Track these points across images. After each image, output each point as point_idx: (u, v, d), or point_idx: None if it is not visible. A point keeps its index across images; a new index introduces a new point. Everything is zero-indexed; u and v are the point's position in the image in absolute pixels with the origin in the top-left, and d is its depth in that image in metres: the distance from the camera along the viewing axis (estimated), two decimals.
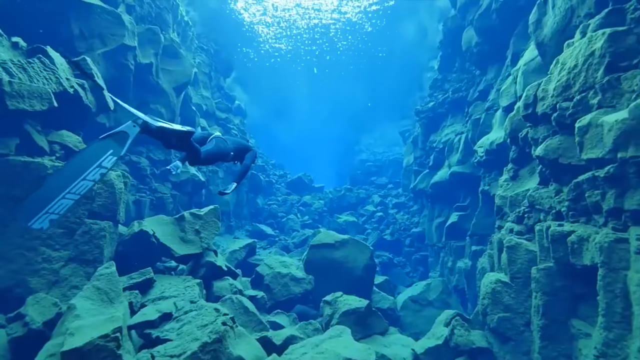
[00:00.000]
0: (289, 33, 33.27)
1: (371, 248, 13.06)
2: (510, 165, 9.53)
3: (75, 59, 8.84)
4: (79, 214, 7.39)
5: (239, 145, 4.54)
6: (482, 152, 13.86)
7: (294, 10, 30.91)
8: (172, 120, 15.76)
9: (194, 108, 18.36)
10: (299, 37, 34.16)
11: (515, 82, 12.15)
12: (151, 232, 8.85)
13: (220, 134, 4.40)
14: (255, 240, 14.55)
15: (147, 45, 14.31)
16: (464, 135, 17.70)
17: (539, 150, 7.15)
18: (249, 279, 12.03)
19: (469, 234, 15.31)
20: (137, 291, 7.43)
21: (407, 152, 27.12)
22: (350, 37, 33.53)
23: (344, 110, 46.61)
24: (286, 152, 50.15)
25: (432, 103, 22.68)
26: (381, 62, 35.22)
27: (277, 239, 21.93)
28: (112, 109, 9.61)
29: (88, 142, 10.68)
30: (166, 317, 6.74)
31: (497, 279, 7.67)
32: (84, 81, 8.61)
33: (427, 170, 21.20)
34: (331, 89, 42.69)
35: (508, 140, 9.73)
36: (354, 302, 9.10)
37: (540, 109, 7.42)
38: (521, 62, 11.58)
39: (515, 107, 9.37)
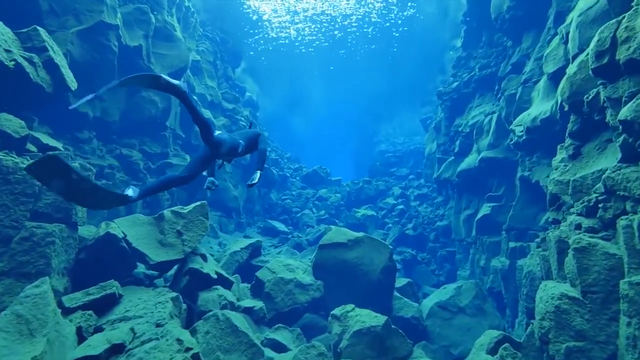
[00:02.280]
0: (298, 19, 31.23)
1: (390, 247, 11.05)
2: (568, 141, 7.27)
3: (26, 29, 7.29)
4: (16, 216, 5.81)
5: (246, 138, 4.13)
6: (521, 131, 11.52)
7: None
8: (169, 110, 14.21)
9: (194, 97, 16.76)
10: (311, 24, 32.04)
11: (565, 42, 9.74)
12: (121, 235, 7.23)
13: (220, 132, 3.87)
14: (260, 240, 12.83)
15: (135, 26, 12.74)
16: (495, 115, 15.28)
17: (624, 113, 4.95)
18: (250, 284, 10.33)
19: (505, 228, 13.01)
20: (90, 311, 5.80)
21: (429, 139, 24.71)
22: (365, 18, 30.95)
23: (361, 100, 44.18)
24: (302, 145, 48.29)
25: (456, 83, 20.21)
26: (398, 44, 32.55)
27: (290, 236, 20.20)
28: (73, 89, 8.06)
29: (46, 127, 9.17)
30: (118, 349, 5.06)
31: (563, 293, 5.54)
32: (33, 54, 7.05)
33: (453, 158, 18.85)
34: (347, 78, 40.34)
35: (565, 108, 7.45)
36: (369, 318, 7.18)
37: (622, 54, 5.19)
38: (573, 14, 9.16)
39: (576, 62, 7.07)
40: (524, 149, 12.16)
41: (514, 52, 15.91)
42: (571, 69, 7.39)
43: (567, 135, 7.47)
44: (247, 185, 3.91)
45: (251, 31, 31.48)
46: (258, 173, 3.97)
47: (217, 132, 3.76)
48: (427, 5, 27.82)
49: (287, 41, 33.79)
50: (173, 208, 8.24)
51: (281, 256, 15.61)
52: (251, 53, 33.09)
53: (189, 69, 17.98)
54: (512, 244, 12.34)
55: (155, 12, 13.93)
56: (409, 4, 29.33)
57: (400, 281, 12.29)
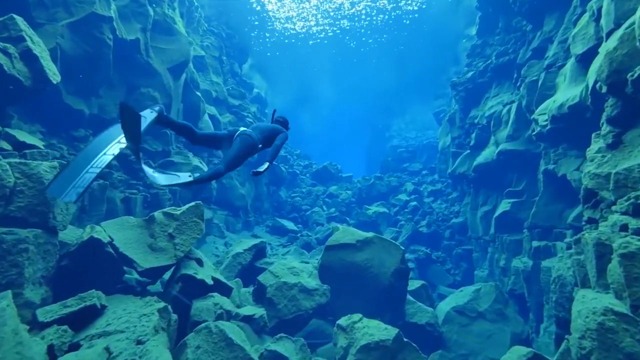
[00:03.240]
0: (305, 11, 30.29)
1: (402, 248, 10.19)
2: (606, 128, 6.27)
3: (2, 18, 6.71)
4: None
5: (269, 132, 4.26)
6: (545, 121, 10.46)
7: None
8: (170, 106, 13.63)
9: (198, 93, 16.18)
10: (318, 14, 31.01)
11: (596, 19, 8.65)
12: (106, 240, 6.63)
13: (245, 128, 4.08)
14: (264, 240, 12.15)
15: (132, 19, 12.16)
16: (514, 105, 14.17)
17: None
18: (252, 289, 9.66)
19: (528, 225, 11.97)
20: (65, 327, 5.19)
21: (443, 132, 23.57)
22: (374, 6, 29.64)
23: (372, 94, 42.91)
24: (313, 141, 47.36)
25: (471, 73, 19.06)
26: (409, 34, 31.21)
27: (299, 234, 19.50)
28: (55, 82, 7.48)
29: (37, 125, 8.64)
30: None
31: (607, 308, 4.63)
32: (8, 45, 6.47)
33: (468, 151, 17.77)
34: (357, 72, 39.18)
35: (602, 90, 6.44)
36: (378, 331, 6.39)
37: None
38: None
39: (615, 37, 6.05)
40: (548, 140, 11.09)
41: (534, 36, 14.72)
42: (609, 44, 6.37)
43: (604, 121, 6.47)
44: (252, 173, 3.89)
45: (257, 24, 30.66)
46: (266, 164, 3.98)
47: (241, 129, 3.99)
48: None
49: (294, 34, 32.89)
50: (165, 209, 7.60)
51: (288, 257, 14.94)
52: (259, 48, 32.37)
53: (192, 64, 17.44)
54: (535, 243, 11.32)
55: (154, 5, 13.34)
56: None
57: (414, 283, 11.43)
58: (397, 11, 29.76)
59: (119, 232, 7.03)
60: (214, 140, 4.01)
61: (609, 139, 6.12)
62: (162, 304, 6.11)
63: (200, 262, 7.76)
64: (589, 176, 6.28)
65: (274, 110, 4.93)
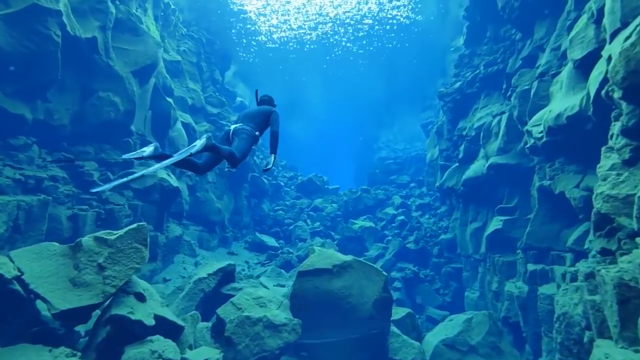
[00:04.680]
0: (293, 21, 29.47)
1: (384, 273, 8.97)
2: (621, 141, 5.22)
3: None
4: None
5: (259, 116, 4.05)
6: (541, 132, 9.50)
7: None
8: (133, 113, 12.32)
9: (169, 100, 14.92)
10: (306, 25, 30.26)
11: (596, 21, 7.76)
12: (11, 275, 5.25)
13: (235, 125, 3.88)
14: (232, 263, 10.77)
15: (90, 16, 10.94)
16: (505, 116, 13.28)
17: None
18: (210, 324, 8.28)
19: (522, 246, 10.91)
20: None
21: (431, 144, 22.72)
22: (362, 20, 29.01)
23: (361, 105, 42.09)
24: (301, 152, 46.12)
25: (459, 83, 18.26)
26: (397, 46, 30.62)
27: (279, 251, 18.14)
28: None
29: None
30: None
31: None
32: None
33: (457, 165, 16.81)
34: (345, 83, 38.37)
35: (615, 95, 5.40)
36: None
37: None
38: None
39: (634, 30, 5.04)
40: (543, 154, 10.12)
41: (524, 45, 13.97)
42: (616, 45, 5.38)
43: (616, 133, 5.43)
44: (262, 170, 3.82)
45: (241, 30, 29.67)
46: (272, 157, 3.94)
47: (232, 127, 3.82)
48: (427, 5, 25.92)
49: (280, 42, 31.95)
50: (98, 233, 6.25)
51: (263, 278, 13.58)
52: (243, 55, 31.30)
53: (165, 69, 16.22)
54: (530, 267, 10.23)
55: (117, 2, 12.14)
56: (408, 5, 27.59)
57: (398, 312, 10.17)
58: (385, 26, 29.11)
59: (35, 263, 5.66)
60: (216, 157, 3.47)
61: (625, 154, 5.06)
62: (75, 355, 4.75)
63: (140, 297, 6.40)
64: (602, 198, 5.19)
65: (256, 90, 4.61)
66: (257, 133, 3.89)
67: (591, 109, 7.49)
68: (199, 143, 3.01)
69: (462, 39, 20.71)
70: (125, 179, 2.84)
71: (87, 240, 6.02)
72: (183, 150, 2.98)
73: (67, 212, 9.78)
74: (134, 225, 6.50)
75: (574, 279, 6.92)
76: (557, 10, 11.96)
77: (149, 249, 6.59)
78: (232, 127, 3.88)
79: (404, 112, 38.36)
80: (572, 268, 7.64)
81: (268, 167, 3.95)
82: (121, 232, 6.32)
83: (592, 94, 7.40)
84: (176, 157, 2.91)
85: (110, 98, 11.45)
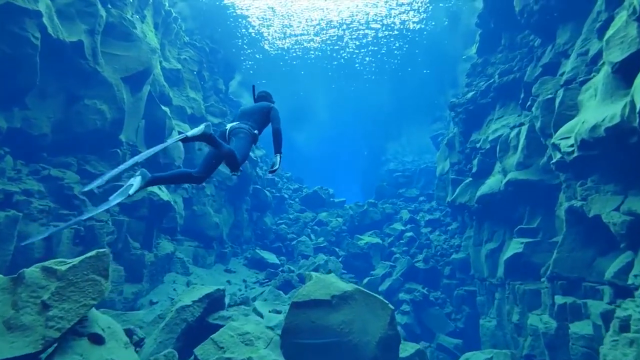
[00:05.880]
0: (299, 32, 28.81)
1: (391, 307, 7.74)
2: None
3: None
4: None
5: (257, 114, 3.80)
6: (571, 146, 8.26)
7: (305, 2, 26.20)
8: (121, 122, 11.47)
9: (165, 109, 14.09)
10: (313, 35, 29.58)
11: (638, 18, 6.61)
12: None
13: (232, 124, 3.63)
14: (221, 287, 9.62)
15: (77, 19, 10.19)
16: (525, 128, 12.06)
17: None
18: None
19: (548, 275, 9.55)
20: None
21: (441, 157, 21.47)
22: (369, 25, 28.13)
23: (369, 117, 41.08)
24: (306, 164, 45.10)
25: (471, 93, 17.13)
26: (406, 55, 29.67)
27: (279, 269, 16.96)
28: None
29: None
30: None
31: None
32: None
33: (470, 179, 15.55)
34: (353, 94, 37.50)
35: None
36: None
37: None
38: None
39: None
40: (572, 170, 8.87)
41: (544, 51, 12.84)
42: None
43: None
44: (268, 172, 3.66)
45: (246, 40, 29.08)
46: (278, 157, 3.70)
47: (228, 126, 3.61)
48: (437, 13, 25.00)
49: (285, 52, 31.30)
50: (47, 262, 5.23)
51: (257, 303, 12.36)
52: (248, 64, 30.66)
53: (163, 77, 15.49)
54: (559, 299, 8.86)
55: (109, 6, 11.43)
56: (419, 14, 26.75)
57: (406, 348, 8.85)
58: (394, 32, 28.18)
59: None
60: (214, 163, 3.18)
61: None
62: None
63: (97, 339, 5.31)
64: None
65: (253, 86, 4.37)
66: (255, 131, 3.62)
67: (637, 120, 6.28)
68: (197, 129, 2.87)
69: (474, 47, 19.64)
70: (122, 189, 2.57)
71: (31, 271, 4.99)
72: (178, 136, 2.84)
73: (40, 230, 8.81)
74: (93, 253, 5.46)
75: (624, 327, 5.61)
76: (581, 13, 10.84)
77: (111, 278, 5.54)
78: (228, 126, 3.60)
79: (413, 123, 37.26)
80: (616, 307, 6.32)
81: (274, 169, 3.65)
82: (75, 260, 5.28)
83: (637, 102, 6.22)
84: (170, 141, 2.99)
85: (97, 106, 10.63)
